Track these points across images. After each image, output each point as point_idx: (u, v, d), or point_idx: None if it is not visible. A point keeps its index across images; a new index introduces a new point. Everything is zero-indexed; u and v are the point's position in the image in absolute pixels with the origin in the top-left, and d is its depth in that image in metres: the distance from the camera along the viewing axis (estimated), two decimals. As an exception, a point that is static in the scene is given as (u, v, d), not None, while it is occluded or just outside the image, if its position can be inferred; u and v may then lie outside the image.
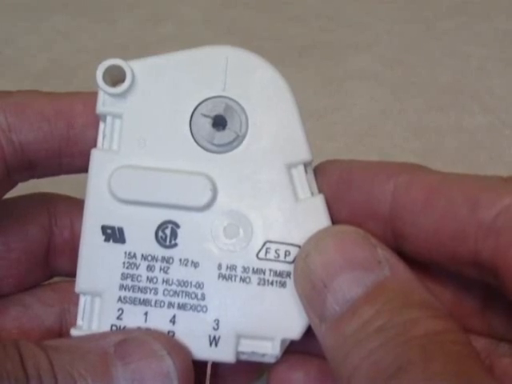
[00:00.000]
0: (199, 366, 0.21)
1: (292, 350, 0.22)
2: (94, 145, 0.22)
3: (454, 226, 0.19)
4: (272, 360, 0.21)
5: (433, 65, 0.40)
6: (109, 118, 0.22)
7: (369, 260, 0.19)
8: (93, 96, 0.22)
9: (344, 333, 0.18)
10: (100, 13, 0.45)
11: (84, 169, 0.22)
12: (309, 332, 0.21)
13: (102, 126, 0.22)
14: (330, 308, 0.19)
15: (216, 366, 0.23)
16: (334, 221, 0.21)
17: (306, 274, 0.19)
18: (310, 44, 0.40)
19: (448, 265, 0.20)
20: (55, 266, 0.25)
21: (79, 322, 0.21)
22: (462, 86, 0.39)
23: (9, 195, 0.24)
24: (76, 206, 0.25)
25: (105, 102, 0.21)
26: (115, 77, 0.21)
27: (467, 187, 0.19)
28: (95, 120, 0.22)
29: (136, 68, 0.21)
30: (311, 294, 0.19)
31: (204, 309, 0.21)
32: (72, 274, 0.22)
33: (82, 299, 0.21)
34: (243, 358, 0.21)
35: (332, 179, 0.22)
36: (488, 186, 0.19)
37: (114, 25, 0.44)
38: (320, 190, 0.22)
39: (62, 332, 0.25)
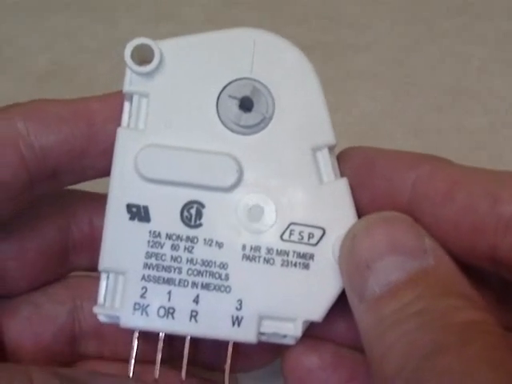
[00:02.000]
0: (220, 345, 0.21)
1: (306, 334, 0.22)
2: None
3: (474, 219, 0.19)
4: (292, 342, 0.21)
5: (433, 65, 0.41)
6: (135, 98, 0.21)
7: (415, 248, 0.19)
8: (108, 95, 0.22)
9: (381, 313, 0.18)
10: (101, 13, 0.45)
11: (107, 171, 0.22)
12: (326, 317, 0.22)
13: (127, 105, 0.22)
14: (371, 289, 0.19)
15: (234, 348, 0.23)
16: (356, 207, 0.21)
17: (351, 253, 0.20)
18: (310, 44, 0.40)
19: (466, 258, 0.20)
20: (75, 263, 0.25)
21: (100, 300, 0.21)
22: (463, 86, 0.39)
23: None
24: (94, 200, 0.25)
25: (132, 81, 0.21)
26: (143, 56, 0.22)
27: (488, 182, 0.19)
28: (115, 117, 0.22)
29: (164, 48, 0.21)
30: (354, 274, 0.19)
31: (227, 289, 0.21)
32: (92, 269, 0.21)
33: (103, 277, 0.21)
34: (264, 339, 0.21)
35: (354, 165, 0.22)
36: (509, 181, 0.19)
37: (116, 25, 0.44)
38: (342, 176, 0.22)
39: (74, 329, 0.24)
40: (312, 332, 0.22)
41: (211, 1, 0.45)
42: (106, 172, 0.22)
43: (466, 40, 0.41)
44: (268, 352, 0.24)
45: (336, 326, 0.23)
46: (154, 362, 0.21)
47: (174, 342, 0.22)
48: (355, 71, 0.40)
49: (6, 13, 0.46)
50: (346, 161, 0.22)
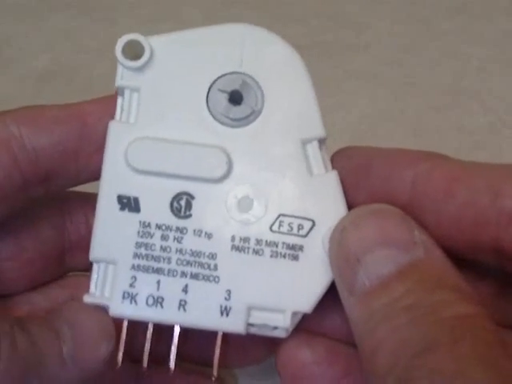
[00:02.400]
0: (208, 337, 0.22)
1: (300, 328, 0.22)
2: None
3: (476, 213, 0.19)
4: (283, 334, 0.21)
5: (433, 65, 0.41)
6: (127, 92, 0.22)
7: (405, 240, 0.19)
8: (101, 98, 0.23)
9: (372, 307, 0.18)
10: (101, 13, 0.46)
11: (100, 174, 0.22)
12: (317, 311, 0.22)
13: (119, 99, 0.22)
14: (360, 282, 0.18)
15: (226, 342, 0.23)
16: (352, 207, 0.21)
17: (341, 246, 0.20)
18: (309, 44, 0.41)
19: (468, 253, 0.20)
20: (72, 263, 0.25)
21: (92, 289, 0.21)
22: (462, 86, 0.40)
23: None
24: (89, 200, 0.25)
25: (123, 76, 0.22)
26: (134, 52, 0.22)
27: (489, 175, 0.19)
28: (108, 117, 0.22)
29: (154, 43, 0.22)
30: (344, 267, 0.19)
31: (216, 279, 0.21)
32: (89, 269, 0.22)
33: (95, 267, 0.21)
34: (254, 330, 0.21)
35: (351, 165, 0.22)
36: (510, 174, 0.19)
37: (116, 25, 0.45)
38: (340, 176, 0.22)
39: None
40: (306, 326, 0.22)
41: (210, 1, 0.45)
42: (99, 175, 0.22)
43: (465, 40, 0.42)
44: (263, 347, 0.24)
45: (330, 320, 0.23)
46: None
47: (163, 336, 0.22)
48: (355, 71, 0.41)
49: (6, 13, 0.46)
50: (343, 161, 0.22)
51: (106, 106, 0.22)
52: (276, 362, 0.22)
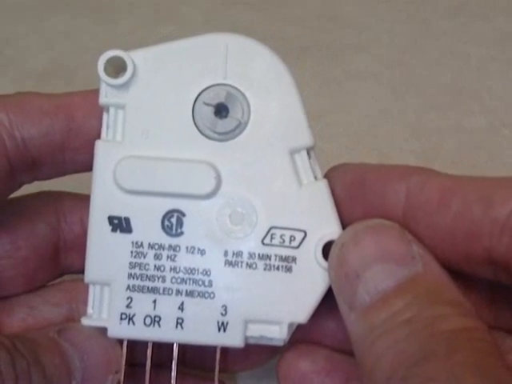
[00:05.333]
0: (207, 350, 0.22)
1: (301, 338, 0.22)
2: (97, 137, 0.22)
3: (469, 224, 0.19)
4: (280, 343, 0.22)
5: (432, 65, 0.40)
6: (111, 109, 0.22)
7: (403, 254, 0.19)
8: (91, 91, 0.23)
9: (372, 322, 0.18)
10: (101, 13, 0.45)
11: (88, 165, 0.22)
12: (318, 322, 0.22)
13: (105, 117, 0.22)
14: (361, 298, 0.19)
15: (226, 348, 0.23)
16: (348, 223, 0.21)
17: (340, 262, 0.20)
18: (309, 44, 0.40)
19: (462, 264, 0.20)
20: (66, 263, 0.25)
21: (89, 311, 0.21)
22: (462, 86, 0.39)
23: (14, 195, 0.24)
24: (84, 201, 0.25)
25: (107, 93, 0.22)
26: (117, 68, 0.22)
27: (481, 187, 0.19)
28: (96, 112, 0.22)
29: (137, 58, 0.22)
30: (343, 283, 0.19)
31: (211, 295, 0.21)
32: (84, 271, 0.22)
33: (91, 289, 0.21)
34: (252, 341, 0.22)
35: (345, 181, 0.22)
36: (501, 184, 0.19)
37: (115, 25, 0.45)
38: (333, 194, 0.22)
39: None
40: (306, 337, 0.22)
41: (210, 1, 0.45)
42: (87, 166, 0.22)
43: (464, 40, 0.41)
44: (264, 351, 0.25)
45: (329, 331, 0.23)
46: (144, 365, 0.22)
47: (163, 345, 0.22)
48: (355, 71, 0.40)
49: (6, 13, 0.46)
50: (336, 177, 0.22)
51: (94, 99, 0.22)
52: (277, 373, 0.23)
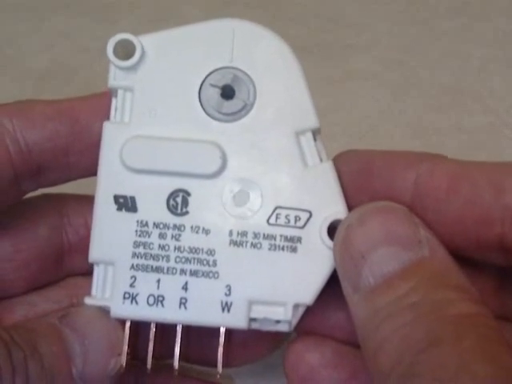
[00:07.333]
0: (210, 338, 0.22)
1: (308, 331, 0.22)
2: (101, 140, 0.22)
3: (479, 211, 0.19)
4: (286, 328, 0.21)
5: (433, 65, 0.41)
6: (120, 92, 0.22)
7: (410, 238, 0.19)
8: (92, 95, 0.23)
9: (376, 305, 0.18)
10: (101, 13, 0.46)
11: (92, 170, 0.22)
12: (326, 313, 0.22)
13: (113, 100, 0.22)
14: (365, 279, 0.18)
15: (230, 338, 0.23)
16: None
17: (346, 244, 0.19)
18: (309, 44, 0.41)
19: (472, 251, 0.20)
20: (71, 265, 0.25)
21: (93, 291, 0.21)
22: (462, 86, 0.39)
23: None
24: (88, 202, 0.24)
25: (116, 76, 0.22)
26: (125, 51, 0.22)
27: (491, 172, 0.19)
28: (99, 115, 0.22)
29: (146, 42, 0.22)
30: (348, 265, 0.19)
31: (216, 275, 0.21)
32: (90, 272, 0.22)
33: (95, 269, 0.21)
34: (256, 326, 0.21)
35: (352, 168, 0.22)
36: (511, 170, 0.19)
37: (116, 25, 0.45)
38: (340, 180, 0.22)
39: None
40: (313, 329, 0.22)
41: (210, 1, 0.45)
42: (91, 171, 0.22)
43: (465, 40, 0.41)
44: (263, 344, 0.24)
45: (337, 322, 0.22)
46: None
47: (166, 338, 0.22)
48: (355, 71, 0.40)
49: (7, 13, 0.46)
50: (344, 164, 0.22)
51: (97, 103, 0.22)
52: (284, 365, 0.22)
